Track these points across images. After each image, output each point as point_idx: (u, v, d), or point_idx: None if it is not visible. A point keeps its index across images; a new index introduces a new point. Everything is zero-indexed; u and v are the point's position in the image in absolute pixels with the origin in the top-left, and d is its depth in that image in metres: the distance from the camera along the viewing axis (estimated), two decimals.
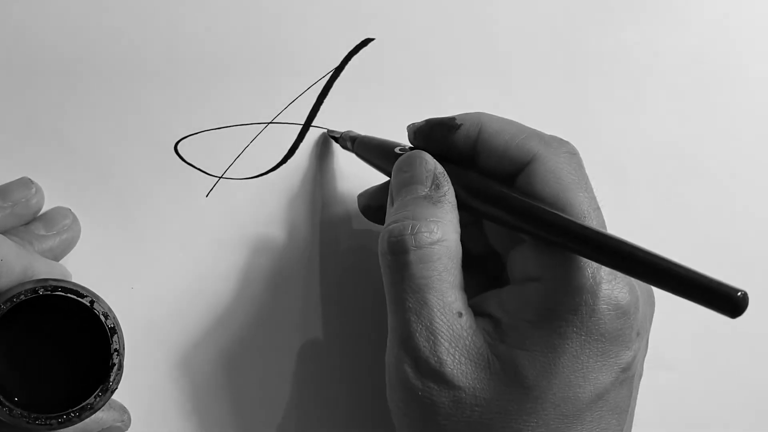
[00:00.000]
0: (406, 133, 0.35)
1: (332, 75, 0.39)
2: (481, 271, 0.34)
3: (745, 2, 0.43)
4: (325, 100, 0.39)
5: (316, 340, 0.38)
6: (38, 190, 0.34)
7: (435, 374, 0.29)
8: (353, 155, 0.37)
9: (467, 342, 0.29)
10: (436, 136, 0.33)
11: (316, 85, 0.39)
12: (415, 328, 0.29)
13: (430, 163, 0.32)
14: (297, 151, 0.38)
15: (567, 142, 0.32)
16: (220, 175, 0.38)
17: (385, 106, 0.39)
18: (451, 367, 0.29)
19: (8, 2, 0.36)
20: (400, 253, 0.30)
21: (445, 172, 0.32)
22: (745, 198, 0.43)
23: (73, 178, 0.36)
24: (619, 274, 0.29)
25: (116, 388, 0.30)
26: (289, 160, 0.38)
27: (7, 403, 0.29)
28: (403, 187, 0.32)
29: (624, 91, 0.41)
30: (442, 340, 0.29)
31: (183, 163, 0.37)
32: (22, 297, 0.29)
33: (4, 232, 0.33)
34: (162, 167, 0.37)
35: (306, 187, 0.39)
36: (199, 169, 0.38)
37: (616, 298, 0.29)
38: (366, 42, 0.39)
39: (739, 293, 0.23)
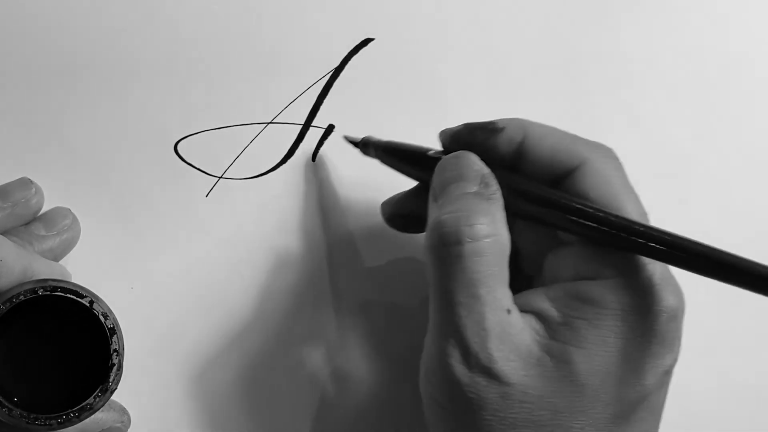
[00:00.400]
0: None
1: (332, 75, 0.39)
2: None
3: (745, 2, 0.43)
4: (325, 100, 0.39)
5: (317, 339, 0.38)
6: (38, 190, 0.34)
7: (484, 369, 0.29)
8: (346, 161, 0.37)
9: (516, 338, 0.29)
10: (476, 140, 0.32)
11: (316, 85, 0.39)
12: (465, 323, 0.29)
13: (477, 162, 0.32)
14: (297, 151, 0.38)
15: (611, 149, 0.32)
16: (220, 175, 0.38)
17: (385, 106, 0.39)
18: (501, 363, 0.29)
19: (8, 2, 0.36)
20: (453, 245, 0.29)
21: (493, 174, 0.31)
22: (745, 198, 0.42)
23: (73, 178, 0.36)
24: (671, 279, 0.30)
25: (116, 389, 0.30)
26: (289, 160, 0.38)
27: (6, 404, 0.29)
28: (451, 184, 0.31)
29: (624, 91, 0.41)
30: (493, 336, 0.29)
31: (183, 163, 0.37)
32: (22, 297, 0.29)
33: (4, 233, 0.33)
34: (162, 167, 0.37)
35: (307, 188, 0.39)
36: (199, 169, 0.38)
37: (669, 302, 0.29)
38: (366, 42, 0.39)
39: None
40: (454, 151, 0.33)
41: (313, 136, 0.39)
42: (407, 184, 0.36)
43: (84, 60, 0.36)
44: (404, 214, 0.36)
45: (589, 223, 0.29)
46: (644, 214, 0.31)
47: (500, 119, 0.33)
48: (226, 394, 0.37)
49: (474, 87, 0.40)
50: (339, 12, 0.39)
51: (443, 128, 0.34)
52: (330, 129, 0.39)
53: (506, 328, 0.29)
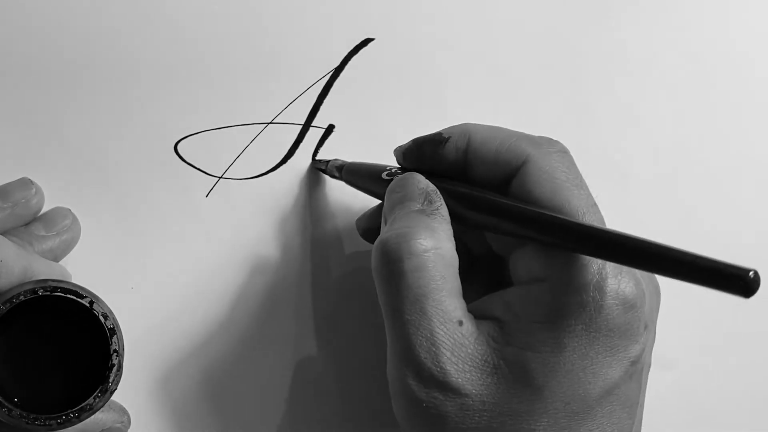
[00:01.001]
0: (394, 145, 0.35)
1: (332, 75, 0.39)
2: (483, 274, 0.34)
3: (745, 2, 0.43)
4: (325, 100, 0.39)
5: (317, 339, 0.38)
6: (38, 190, 0.34)
7: (439, 384, 0.29)
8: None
9: (470, 349, 0.29)
10: (426, 154, 0.33)
11: (316, 85, 0.39)
12: (415, 340, 0.29)
13: (422, 182, 0.32)
14: (297, 151, 0.38)
15: (557, 142, 0.32)
16: (220, 175, 0.38)
17: (385, 106, 0.39)
18: (455, 376, 0.29)
19: (8, 2, 0.36)
20: (394, 263, 0.30)
21: (437, 190, 0.32)
22: (745, 198, 0.42)
23: (73, 178, 0.36)
24: (624, 269, 0.29)
25: (116, 389, 0.30)
26: (289, 160, 0.38)
27: (6, 404, 0.29)
28: (396, 205, 0.32)
29: (624, 91, 0.41)
30: (444, 350, 0.29)
31: (183, 163, 0.37)
32: (22, 298, 0.29)
33: (4, 233, 0.33)
34: (162, 167, 0.37)
35: (305, 192, 0.39)
36: (199, 169, 0.38)
37: (623, 292, 0.29)
38: (366, 42, 0.39)
39: (750, 272, 0.23)
40: (408, 167, 0.34)
41: (313, 136, 0.39)
42: None
43: (84, 60, 0.36)
44: (377, 227, 0.36)
45: (525, 228, 0.29)
46: (592, 205, 0.30)
47: (446, 128, 0.33)
48: (226, 394, 0.37)
49: (474, 87, 0.40)
50: (339, 12, 0.38)
51: (397, 146, 0.35)
52: (330, 129, 0.39)
53: (458, 340, 0.29)
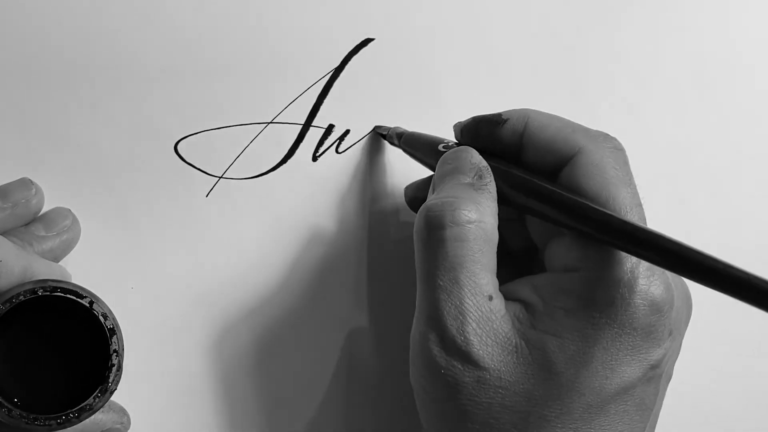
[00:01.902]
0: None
1: (332, 75, 0.39)
2: (513, 264, 0.35)
3: (745, 2, 0.43)
4: (325, 100, 0.39)
5: (317, 339, 0.38)
6: (38, 190, 0.34)
7: (460, 353, 0.29)
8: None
9: (495, 324, 0.29)
10: (483, 132, 0.33)
11: (316, 85, 0.38)
12: (444, 306, 0.29)
13: (475, 157, 0.32)
14: (297, 151, 0.38)
15: (613, 138, 0.32)
16: (220, 175, 0.38)
17: (385, 106, 0.39)
18: (478, 348, 0.29)
19: (8, 2, 0.36)
20: (436, 229, 0.30)
21: (489, 168, 0.32)
22: (745, 198, 0.42)
23: (73, 178, 0.36)
24: (657, 272, 0.29)
25: (115, 389, 0.30)
26: (289, 160, 0.38)
27: (6, 404, 0.29)
28: (447, 176, 0.32)
29: (624, 91, 0.41)
30: (470, 320, 0.29)
31: (183, 163, 0.37)
32: (22, 298, 0.29)
33: (4, 233, 0.33)
34: (162, 167, 0.37)
35: (307, 188, 0.39)
36: (199, 169, 0.38)
37: (652, 294, 0.29)
38: (366, 42, 0.39)
39: None
40: (465, 143, 0.34)
41: (313, 136, 0.39)
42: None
43: (84, 60, 0.36)
44: (423, 198, 0.36)
45: (569, 217, 0.29)
46: (638, 204, 0.30)
47: (506, 111, 0.33)
48: (226, 395, 0.37)
49: (473, 87, 0.40)
50: (339, 12, 0.38)
51: (456, 122, 0.35)
52: (330, 129, 0.39)
53: (486, 314, 0.29)
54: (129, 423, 0.34)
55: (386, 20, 0.39)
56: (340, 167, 0.39)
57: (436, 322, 0.30)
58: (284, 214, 0.38)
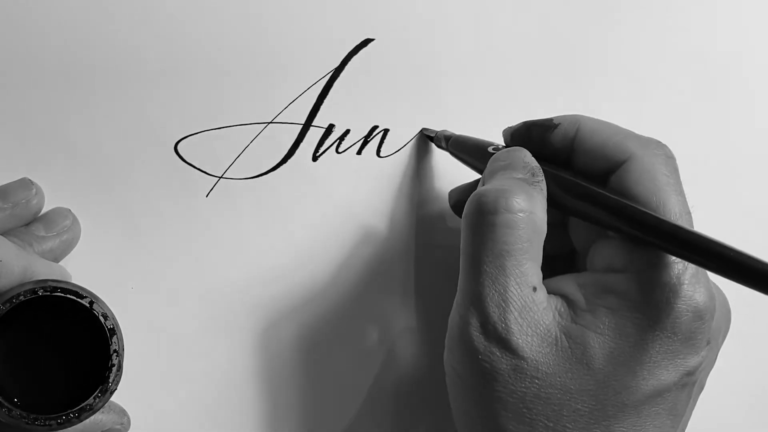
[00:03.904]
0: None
1: (332, 75, 0.39)
2: (551, 267, 0.35)
3: (745, 2, 0.43)
4: (325, 100, 0.39)
5: (316, 339, 0.38)
6: (38, 191, 0.34)
7: (500, 340, 0.29)
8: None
9: (537, 316, 0.30)
10: (534, 137, 0.34)
11: (316, 85, 0.38)
12: (487, 292, 0.30)
13: (528, 156, 0.33)
14: (297, 151, 0.38)
15: (665, 146, 0.32)
16: (220, 175, 0.38)
17: (385, 106, 0.39)
18: (518, 336, 0.29)
19: (8, 2, 0.36)
20: (487, 214, 0.30)
21: (541, 169, 0.32)
22: (745, 198, 0.42)
23: (73, 179, 0.36)
24: (702, 280, 0.30)
25: (116, 389, 0.30)
26: (289, 160, 0.38)
27: (6, 404, 0.29)
28: (498, 171, 0.32)
29: (624, 91, 0.41)
30: (513, 309, 0.29)
31: (183, 163, 0.37)
32: (22, 298, 0.29)
33: (4, 233, 0.33)
34: (162, 167, 0.37)
35: (307, 188, 0.39)
36: (199, 169, 0.38)
37: (696, 300, 0.29)
38: (366, 42, 0.39)
39: None
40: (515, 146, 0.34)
41: (313, 136, 0.39)
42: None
43: (84, 60, 0.36)
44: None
45: (620, 220, 0.30)
46: (687, 212, 0.31)
47: (558, 116, 0.34)
48: (226, 395, 0.37)
49: (473, 87, 0.40)
50: (339, 12, 0.38)
51: (505, 126, 0.36)
52: (330, 129, 0.39)
53: (528, 304, 0.30)
54: (129, 423, 0.34)
55: (386, 20, 0.39)
56: (340, 167, 0.39)
57: (478, 307, 0.30)
58: (284, 214, 0.38)
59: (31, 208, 0.34)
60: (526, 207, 0.30)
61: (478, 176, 0.36)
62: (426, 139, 0.39)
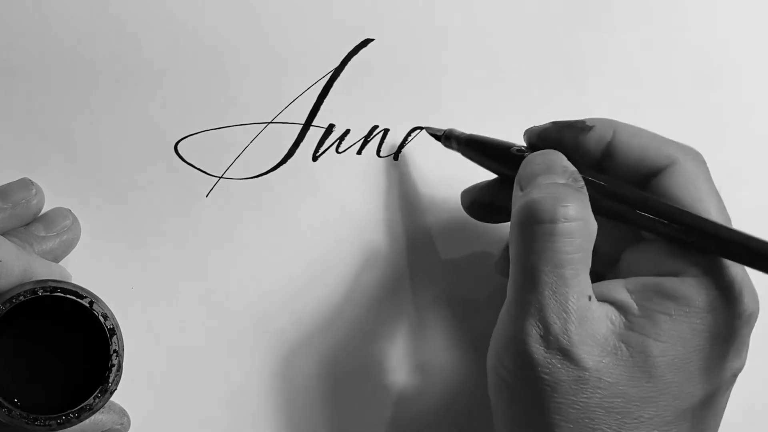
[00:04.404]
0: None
1: (332, 75, 0.39)
2: None
3: (745, 2, 0.43)
4: (325, 100, 0.39)
5: (316, 339, 0.38)
6: (38, 191, 0.34)
7: (563, 351, 0.29)
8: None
9: (595, 325, 0.30)
10: (565, 138, 0.33)
11: (316, 85, 0.38)
12: (548, 303, 0.29)
13: (565, 160, 0.32)
14: (297, 151, 0.38)
15: (699, 153, 0.32)
16: (220, 175, 0.38)
17: (385, 106, 0.39)
18: (579, 347, 0.29)
19: (9, 2, 0.36)
20: (547, 223, 0.30)
21: (578, 172, 0.32)
22: (745, 198, 0.42)
23: (74, 179, 0.36)
24: (749, 283, 0.30)
25: (115, 389, 0.30)
26: (289, 160, 0.38)
27: (6, 404, 0.29)
28: (539, 175, 0.32)
29: (624, 91, 0.41)
30: (574, 319, 0.29)
31: (183, 163, 0.37)
32: (22, 298, 0.29)
33: (4, 234, 0.33)
34: (162, 167, 0.37)
35: (307, 188, 0.39)
36: (199, 169, 0.38)
37: (750, 307, 0.30)
38: (366, 42, 0.39)
39: None
40: (540, 148, 0.33)
41: (313, 136, 0.39)
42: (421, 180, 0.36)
43: (84, 60, 0.36)
44: (484, 202, 0.37)
45: (675, 224, 0.30)
46: (727, 218, 0.31)
47: (589, 118, 0.33)
48: (225, 395, 0.37)
49: (473, 87, 0.40)
50: (339, 12, 0.38)
51: (529, 126, 0.35)
52: (330, 129, 0.39)
53: (586, 314, 0.29)
54: (129, 424, 0.34)
55: (386, 20, 0.39)
56: (340, 167, 0.39)
57: (538, 317, 0.29)
58: (284, 214, 0.38)
59: (31, 208, 0.34)
60: (581, 215, 0.30)
61: (488, 175, 0.36)
62: (431, 137, 0.39)
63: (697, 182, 0.31)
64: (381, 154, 0.39)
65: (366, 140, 0.39)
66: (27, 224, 0.34)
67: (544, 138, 0.34)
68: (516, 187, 0.32)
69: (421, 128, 0.39)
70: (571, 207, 0.30)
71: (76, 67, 0.36)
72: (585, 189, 0.31)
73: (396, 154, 0.39)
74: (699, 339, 0.29)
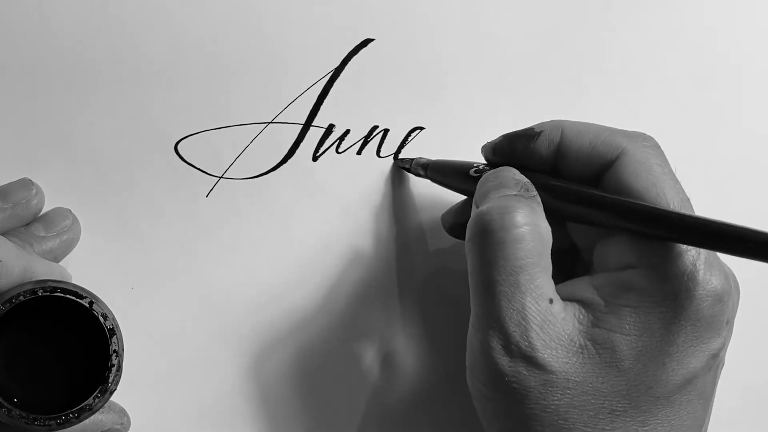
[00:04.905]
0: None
1: (332, 75, 0.39)
2: (554, 264, 0.35)
3: (745, 2, 0.43)
4: (325, 100, 0.39)
5: (316, 339, 0.38)
6: (38, 191, 0.34)
7: (525, 358, 0.29)
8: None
9: (558, 327, 0.30)
10: (517, 149, 0.34)
11: (316, 85, 0.38)
12: (506, 313, 0.29)
13: (517, 174, 0.32)
14: (297, 151, 0.38)
15: (650, 137, 0.33)
16: (220, 175, 0.38)
17: (385, 106, 0.39)
18: (542, 352, 0.29)
19: (9, 2, 0.36)
20: (495, 232, 0.30)
21: (532, 184, 0.32)
22: (745, 198, 0.42)
23: (74, 179, 0.36)
24: (715, 263, 0.30)
25: (115, 389, 0.30)
26: (289, 160, 0.38)
27: (6, 404, 0.29)
28: (491, 191, 0.32)
29: (624, 91, 0.41)
30: (534, 325, 0.29)
31: (183, 163, 0.37)
32: (21, 298, 0.29)
33: (4, 234, 0.33)
34: (162, 167, 0.37)
35: (307, 188, 0.39)
36: (199, 169, 0.38)
37: (713, 284, 0.30)
38: (366, 42, 0.39)
39: None
40: (497, 162, 0.34)
41: (313, 136, 0.39)
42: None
43: (85, 60, 0.36)
44: (463, 222, 0.36)
45: (625, 219, 0.30)
46: (685, 199, 0.31)
47: (537, 124, 0.34)
48: (225, 395, 0.37)
49: (473, 87, 0.40)
50: (339, 12, 0.38)
51: (484, 143, 0.35)
52: (330, 129, 0.39)
53: (547, 317, 0.30)
54: (129, 424, 0.34)
55: (386, 20, 0.39)
56: (340, 167, 0.39)
57: (498, 329, 0.30)
58: (284, 214, 0.38)
59: (31, 208, 0.34)
60: (531, 220, 0.30)
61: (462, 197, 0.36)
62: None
63: (650, 168, 0.31)
64: (381, 154, 0.39)
65: (366, 140, 0.39)
66: (27, 224, 0.34)
67: (498, 151, 0.34)
68: (473, 206, 0.33)
69: (421, 128, 0.39)
70: (519, 214, 0.30)
71: (76, 67, 0.36)
72: (536, 198, 0.31)
73: (396, 154, 0.39)
74: (666, 327, 0.30)
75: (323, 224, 0.39)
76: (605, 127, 0.33)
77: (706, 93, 0.42)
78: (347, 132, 0.39)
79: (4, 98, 0.36)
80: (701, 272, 0.30)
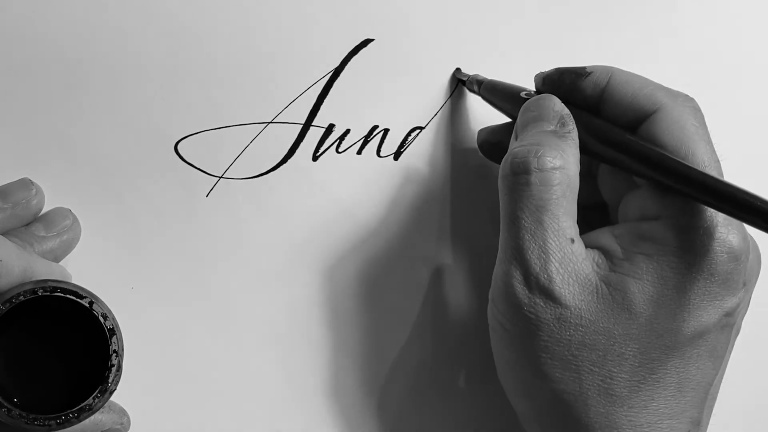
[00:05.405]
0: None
1: (332, 75, 0.39)
2: (583, 218, 0.36)
3: (745, 2, 0.43)
4: (325, 100, 0.39)
5: (315, 339, 0.38)
6: (38, 191, 0.34)
7: (543, 290, 0.30)
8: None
9: (576, 266, 0.31)
10: (565, 83, 0.35)
11: (316, 85, 0.38)
12: (528, 246, 0.31)
13: (557, 104, 0.33)
14: (297, 151, 0.38)
15: (692, 99, 0.33)
16: (220, 175, 0.38)
17: (385, 106, 0.39)
18: (560, 286, 0.30)
19: (9, 2, 0.36)
20: (521, 173, 0.31)
21: (571, 116, 0.33)
22: None
23: (74, 179, 0.36)
24: (735, 222, 0.31)
25: (115, 389, 0.30)
26: (289, 160, 0.38)
27: (6, 404, 0.29)
28: (530, 123, 0.33)
29: None
30: (553, 260, 0.31)
31: (183, 163, 0.37)
32: (21, 298, 0.29)
33: (4, 234, 0.33)
34: (162, 167, 0.37)
35: (307, 188, 0.39)
36: (199, 169, 0.38)
37: (730, 242, 0.30)
38: (366, 42, 0.39)
39: None
40: (546, 92, 0.35)
41: (313, 135, 0.39)
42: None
43: (84, 60, 0.36)
44: (494, 142, 0.38)
45: (651, 168, 0.31)
46: (716, 160, 0.32)
47: (590, 65, 0.34)
48: (225, 395, 0.37)
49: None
50: (339, 12, 0.38)
51: (538, 72, 0.36)
52: (330, 129, 0.39)
53: (567, 255, 0.31)
54: (129, 424, 0.34)
55: (386, 20, 0.39)
56: (340, 167, 0.39)
57: (520, 260, 0.31)
58: (284, 214, 0.38)
59: (31, 208, 0.34)
60: (559, 164, 0.31)
61: (507, 119, 0.37)
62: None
63: (684, 126, 0.32)
64: (381, 154, 0.39)
65: (366, 140, 0.39)
66: (27, 224, 0.34)
67: (548, 82, 0.35)
68: (513, 135, 0.34)
69: (421, 128, 0.39)
70: (547, 157, 0.31)
71: (76, 67, 0.36)
72: (572, 134, 0.32)
73: (396, 154, 0.39)
74: (679, 277, 0.30)
75: (323, 224, 0.39)
76: (651, 81, 0.34)
77: (707, 93, 0.42)
78: (347, 132, 0.39)
79: (4, 98, 0.36)
80: (719, 228, 0.30)
